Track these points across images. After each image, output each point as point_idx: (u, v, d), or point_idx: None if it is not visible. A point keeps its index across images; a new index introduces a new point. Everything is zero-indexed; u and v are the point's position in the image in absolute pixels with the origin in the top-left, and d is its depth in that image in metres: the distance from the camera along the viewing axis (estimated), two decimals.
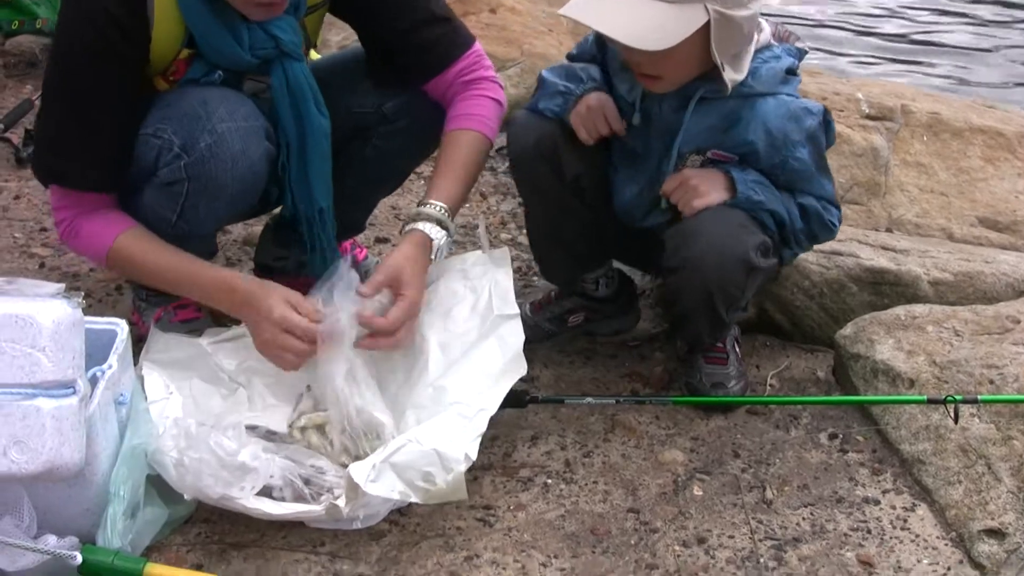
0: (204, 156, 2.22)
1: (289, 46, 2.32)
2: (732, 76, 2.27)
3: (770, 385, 2.65)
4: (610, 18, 2.19)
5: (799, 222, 2.42)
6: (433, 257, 2.32)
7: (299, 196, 2.46)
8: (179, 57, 2.28)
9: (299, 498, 2.08)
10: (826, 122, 2.42)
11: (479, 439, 2.12)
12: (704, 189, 2.37)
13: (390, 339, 2.26)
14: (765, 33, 2.39)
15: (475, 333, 2.34)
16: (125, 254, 2.28)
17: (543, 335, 2.72)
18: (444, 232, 2.32)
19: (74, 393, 1.84)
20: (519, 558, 2.06)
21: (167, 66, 2.29)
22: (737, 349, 2.64)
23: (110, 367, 1.99)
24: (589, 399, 2.50)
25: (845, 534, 2.16)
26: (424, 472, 2.04)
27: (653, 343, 2.80)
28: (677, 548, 2.10)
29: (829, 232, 2.50)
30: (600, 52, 2.54)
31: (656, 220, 2.50)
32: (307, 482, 2.11)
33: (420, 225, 2.31)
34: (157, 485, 2.06)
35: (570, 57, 2.61)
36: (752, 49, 2.33)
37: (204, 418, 2.19)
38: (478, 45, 2.49)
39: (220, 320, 2.55)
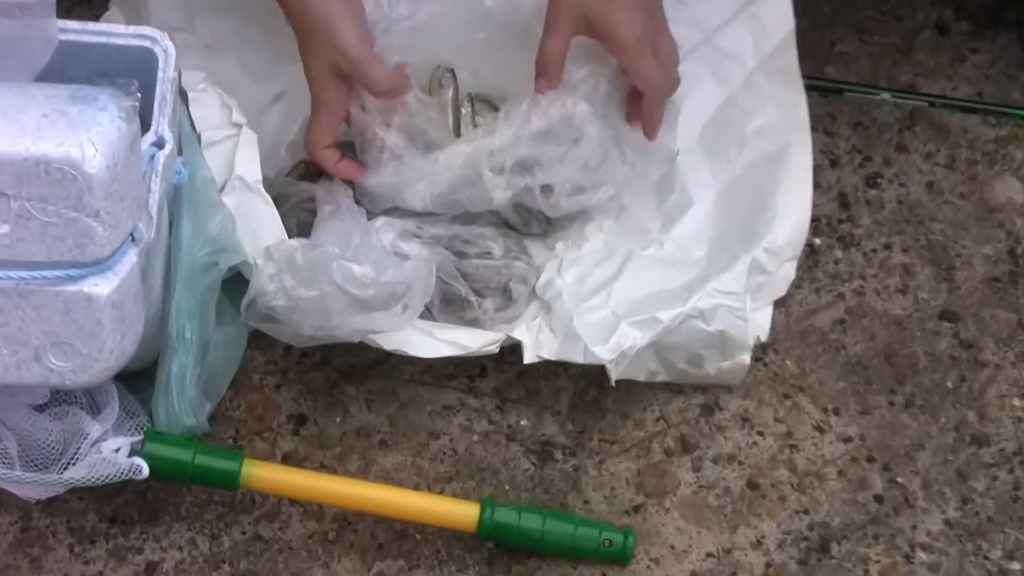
0: None
1: None
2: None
3: None
4: None
5: None
6: None
7: None
8: None
9: (450, 303, 1.33)
10: None
11: (771, 315, 1.36)
12: None
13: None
14: None
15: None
16: None
17: None
18: None
19: (133, 243, 0.99)
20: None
21: None
22: None
23: (165, 141, 1.09)
24: None
25: None
26: (694, 355, 1.32)
27: None
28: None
29: None
30: None
31: None
32: (466, 276, 1.34)
33: None
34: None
35: None
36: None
37: None
38: None
39: None
